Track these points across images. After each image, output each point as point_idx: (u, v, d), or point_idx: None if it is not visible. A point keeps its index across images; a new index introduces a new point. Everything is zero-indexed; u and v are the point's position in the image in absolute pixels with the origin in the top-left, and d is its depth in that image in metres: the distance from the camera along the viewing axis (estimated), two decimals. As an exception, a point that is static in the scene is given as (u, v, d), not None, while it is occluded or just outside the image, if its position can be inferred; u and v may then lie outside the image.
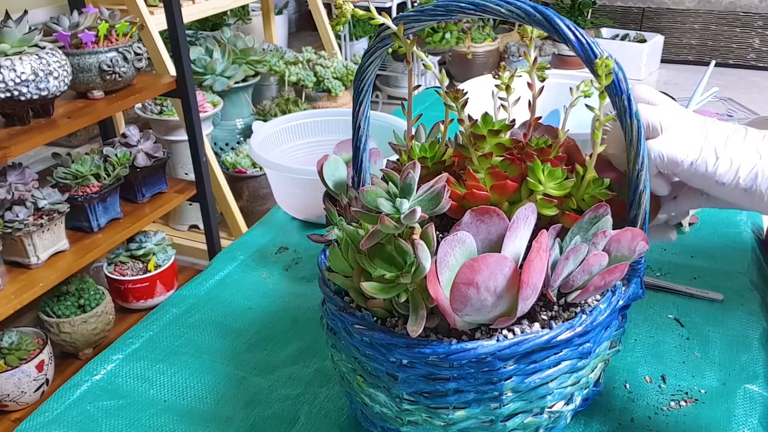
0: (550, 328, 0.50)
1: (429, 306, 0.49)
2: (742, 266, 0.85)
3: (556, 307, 0.53)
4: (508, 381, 0.50)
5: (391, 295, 0.48)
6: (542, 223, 0.53)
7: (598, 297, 0.54)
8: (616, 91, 0.47)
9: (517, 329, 0.50)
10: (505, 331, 0.50)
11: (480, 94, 0.81)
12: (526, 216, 0.50)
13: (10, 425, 1.48)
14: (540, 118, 0.62)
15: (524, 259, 0.49)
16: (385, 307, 0.52)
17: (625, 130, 0.49)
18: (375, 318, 0.52)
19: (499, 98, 0.62)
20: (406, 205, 0.48)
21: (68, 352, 1.66)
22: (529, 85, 0.60)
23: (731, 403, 0.64)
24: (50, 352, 1.55)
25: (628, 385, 0.66)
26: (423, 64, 0.58)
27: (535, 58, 0.60)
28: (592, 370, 0.56)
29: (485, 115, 0.58)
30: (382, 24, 0.53)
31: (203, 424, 0.65)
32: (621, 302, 0.54)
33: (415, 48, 0.56)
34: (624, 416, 0.63)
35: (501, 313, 0.49)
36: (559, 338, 0.50)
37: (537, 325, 0.51)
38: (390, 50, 0.56)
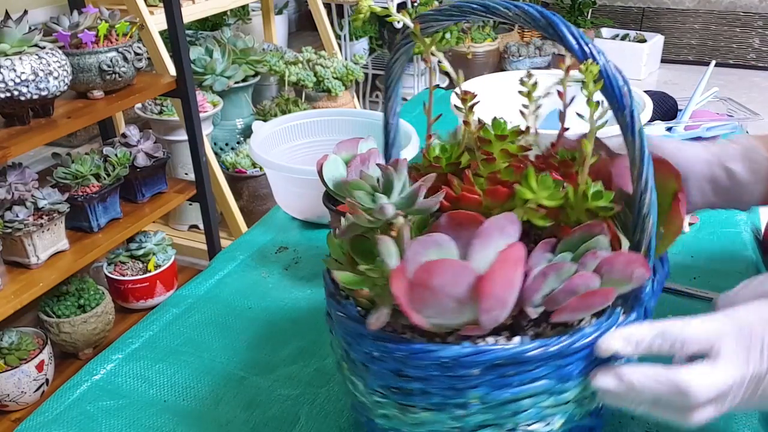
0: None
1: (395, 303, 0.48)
2: (741, 266, 0.85)
3: (544, 324, 0.51)
4: (474, 389, 0.49)
5: (360, 287, 0.49)
6: (543, 235, 0.52)
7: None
8: (619, 106, 0.44)
9: (490, 339, 0.49)
10: (479, 340, 0.48)
11: (479, 95, 0.81)
12: (500, 225, 0.47)
13: (10, 425, 1.48)
14: (568, 129, 0.58)
15: None
16: (370, 299, 0.52)
17: (628, 148, 0.46)
18: (359, 308, 0.52)
19: (523, 105, 0.59)
20: (384, 200, 0.49)
21: (68, 352, 1.66)
22: (560, 94, 0.57)
23: (731, 403, 0.64)
24: (50, 352, 1.55)
25: (627, 385, 0.66)
26: (438, 63, 0.58)
27: (569, 67, 0.55)
28: (582, 397, 0.52)
29: (495, 120, 0.56)
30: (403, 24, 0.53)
31: (203, 425, 0.65)
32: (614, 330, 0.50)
33: (433, 48, 0.55)
34: (624, 416, 0.63)
35: (468, 321, 0.47)
36: (529, 354, 0.47)
37: (517, 339, 0.49)
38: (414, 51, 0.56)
